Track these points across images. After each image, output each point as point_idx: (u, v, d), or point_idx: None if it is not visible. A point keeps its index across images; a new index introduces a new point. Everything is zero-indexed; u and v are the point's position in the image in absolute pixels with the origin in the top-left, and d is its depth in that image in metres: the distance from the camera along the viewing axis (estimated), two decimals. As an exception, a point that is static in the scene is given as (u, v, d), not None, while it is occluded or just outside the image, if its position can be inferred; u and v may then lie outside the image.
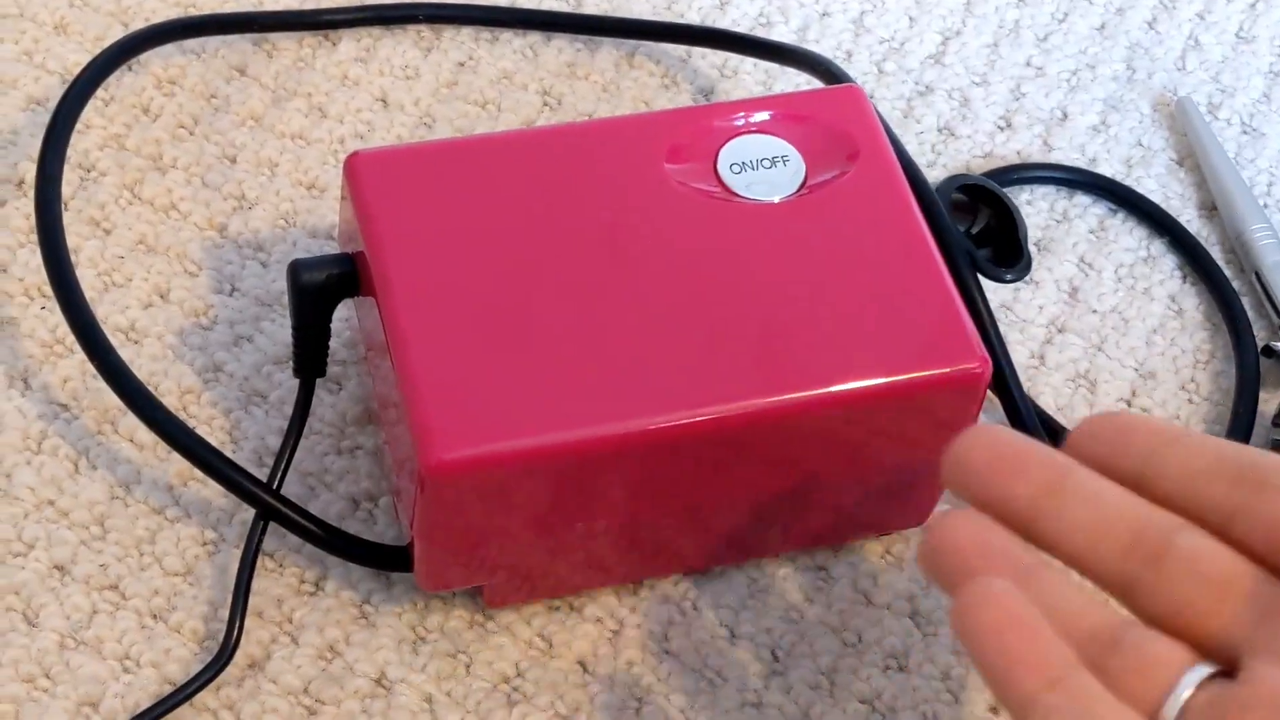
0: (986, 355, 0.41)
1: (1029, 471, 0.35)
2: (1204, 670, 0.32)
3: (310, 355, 0.44)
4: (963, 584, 0.33)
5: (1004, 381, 0.46)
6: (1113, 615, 0.34)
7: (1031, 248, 0.53)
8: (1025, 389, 0.49)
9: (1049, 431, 0.47)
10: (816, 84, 0.52)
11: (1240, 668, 0.32)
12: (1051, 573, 0.34)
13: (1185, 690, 0.32)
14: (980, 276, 0.46)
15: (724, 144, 0.44)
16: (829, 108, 0.46)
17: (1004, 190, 0.49)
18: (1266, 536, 0.33)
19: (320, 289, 0.42)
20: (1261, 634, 0.32)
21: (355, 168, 0.43)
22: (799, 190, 0.44)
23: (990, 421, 0.48)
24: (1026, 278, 0.51)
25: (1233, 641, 0.32)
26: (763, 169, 0.44)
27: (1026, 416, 0.45)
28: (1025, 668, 0.32)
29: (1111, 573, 0.34)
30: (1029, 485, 0.34)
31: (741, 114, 0.45)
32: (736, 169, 0.44)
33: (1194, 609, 0.33)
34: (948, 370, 0.41)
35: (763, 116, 0.45)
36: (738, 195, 0.44)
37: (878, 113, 0.46)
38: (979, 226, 0.47)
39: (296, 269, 0.42)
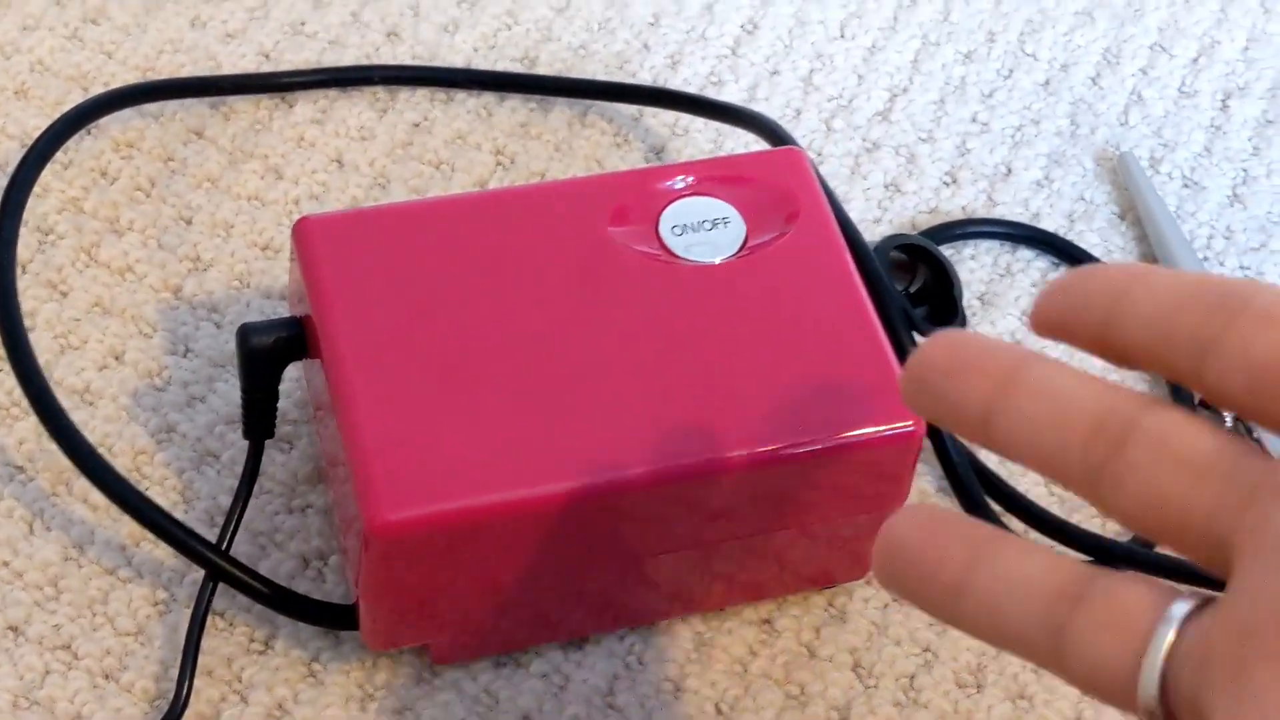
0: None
1: (982, 367, 0.31)
2: (1183, 606, 0.27)
3: (259, 417, 0.45)
4: (916, 580, 0.30)
5: (939, 438, 0.46)
6: (1080, 569, 0.29)
7: (975, 301, 0.54)
8: (967, 443, 0.50)
9: (987, 485, 0.48)
10: (765, 143, 0.53)
11: (1229, 574, 0.27)
12: (1009, 540, 0.30)
13: (1164, 639, 0.27)
14: (917, 335, 0.47)
15: (666, 206, 0.45)
16: (769, 169, 0.47)
17: (942, 249, 0.50)
18: (1247, 374, 0.27)
19: (269, 352, 0.43)
20: (1249, 520, 0.27)
21: (304, 232, 0.44)
22: (739, 251, 0.45)
23: (927, 477, 0.49)
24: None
25: (1218, 533, 0.27)
26: (704, 231, 0.45)
27: (962, 473, 0.46)
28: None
29: (1074, 468, 0.29)
30: (982, 381, 0.30)
31: (684, 176, 0.46)
32: (678, 231, 0.45)
33: (1168, 499, 0.28)
34: (882, 429, 0.42)
35: (704, 179, 0.46)
36: (679, 257, 0.44)
37: (818, 173, 0.47)
38: (917, 285, 0.48)
39: (245, 333, 0.43)
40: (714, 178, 0.46)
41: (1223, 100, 0.60)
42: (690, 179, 0.46)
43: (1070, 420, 0.29)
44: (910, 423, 0.42)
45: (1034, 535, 0.48)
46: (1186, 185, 0.57)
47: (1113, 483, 0.29)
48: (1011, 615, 0.29)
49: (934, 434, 0.46)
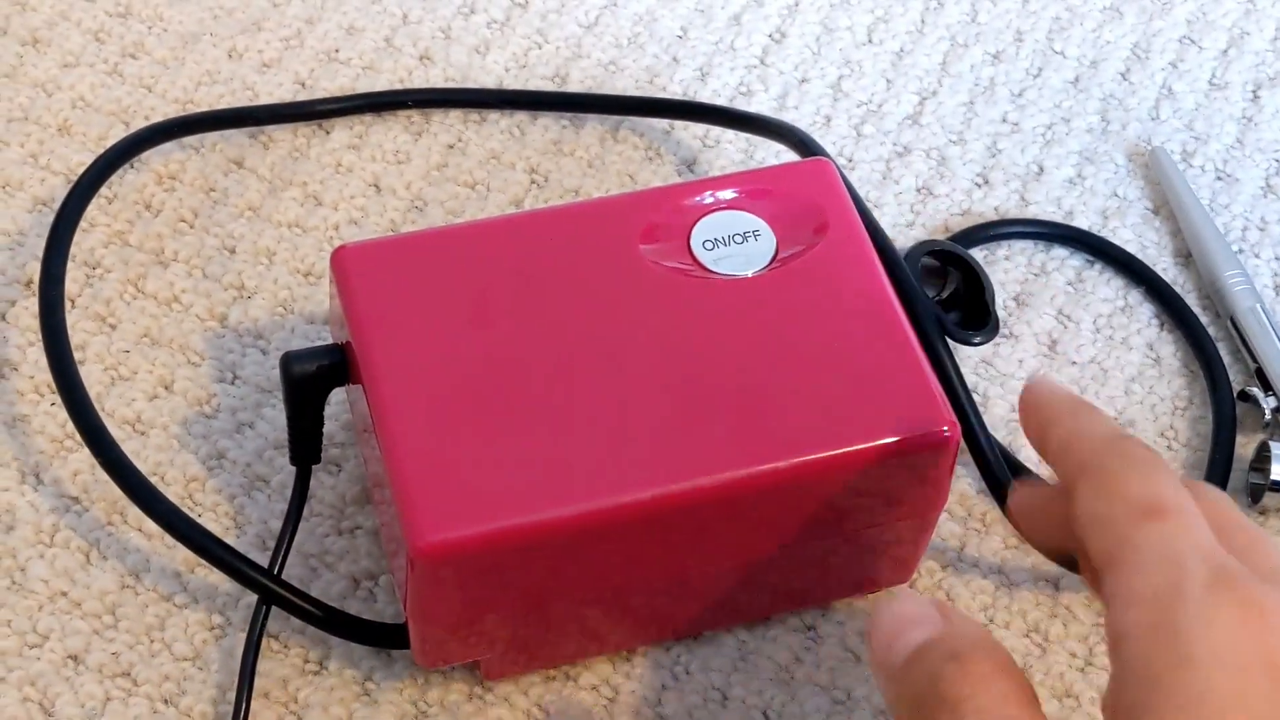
0: (954, 418, 0.43)
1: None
2: None
3: (305, 443, 0.46)
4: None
5: (976, 442, 0.47)
6: None
7: (1011, 302, 0.54)
8: (1007, 444, 0.50)
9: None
10: (795, 154, 0.54)
11: None
12: None
13: None
14: (950, 340, 0.47)
15: (696, 221, 0.46)
16: (798, 181, 0.47)
17: (975, 250, 0.50)
18: (1077, 529, 0.36)
19: (311, 380, 0.44)
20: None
21: (341, 260, 0.45)
22: (770, 264, 0.45)
23: (966, 479, 0.49)
24: (1005, 333, 0.52)
25: None
26: (735, 244, 0.46)
27: (1000, 475, 0.47)
28: None
29: None
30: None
31: (713, 191, 0.47)
32: (709, 245, 0.45)
33: None
34: (917, 435, 0.43)
35: (734, 193, 0.46)
36: (711, 271, 0.45)
37: (847, 182, 0.48)
38: (949, 290, 0.49)
39: (288, 361, 0.44)
40: (744, 191, 0.47)
41: (1253, 91, 0.60)
42: (720, 193, 0.47)
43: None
44: (945, 427, 0.43)
45: (1074, 534, 0.48)
46: (1219, 178, 0.58)
47: None
48: None
49: (970, 437, 0.47)
